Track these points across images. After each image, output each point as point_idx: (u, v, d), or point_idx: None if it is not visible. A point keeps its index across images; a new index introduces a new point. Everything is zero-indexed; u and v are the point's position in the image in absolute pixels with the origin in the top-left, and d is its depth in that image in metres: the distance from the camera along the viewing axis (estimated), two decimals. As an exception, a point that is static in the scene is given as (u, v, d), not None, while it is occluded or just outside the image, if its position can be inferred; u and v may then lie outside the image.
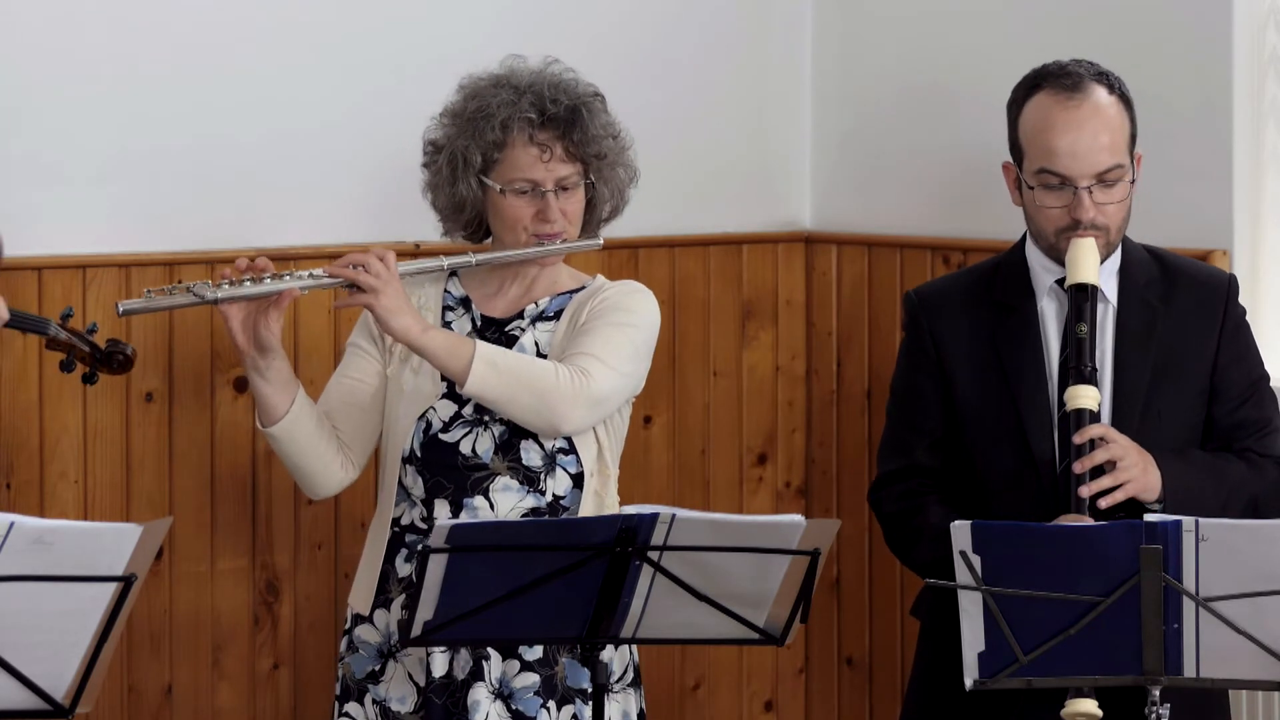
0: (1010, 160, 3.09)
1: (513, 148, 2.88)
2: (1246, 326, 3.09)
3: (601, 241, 3.01)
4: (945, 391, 2.96)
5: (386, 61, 3.81)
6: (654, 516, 2.45)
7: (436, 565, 2.42)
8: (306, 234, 3.47)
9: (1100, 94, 2.93)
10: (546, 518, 2.83)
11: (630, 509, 2.52)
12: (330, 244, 3.43)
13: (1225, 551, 2.50)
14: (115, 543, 2.26)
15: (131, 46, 4.07)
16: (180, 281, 2.86)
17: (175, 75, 3.46)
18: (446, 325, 2.93)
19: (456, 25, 4.35)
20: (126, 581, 2.25)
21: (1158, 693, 2.52)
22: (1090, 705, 2.54)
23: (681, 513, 2.45)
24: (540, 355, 2.88)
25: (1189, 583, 2.50)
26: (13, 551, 2.21)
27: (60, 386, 3.48)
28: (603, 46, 4.78)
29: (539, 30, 4.60)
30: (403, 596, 2.83)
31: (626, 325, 2.90)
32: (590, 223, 3.00)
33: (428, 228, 3.26)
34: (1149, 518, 2.51)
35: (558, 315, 2.94)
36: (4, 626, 2.33)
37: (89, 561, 2.31)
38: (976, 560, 2.54)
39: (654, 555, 2.47)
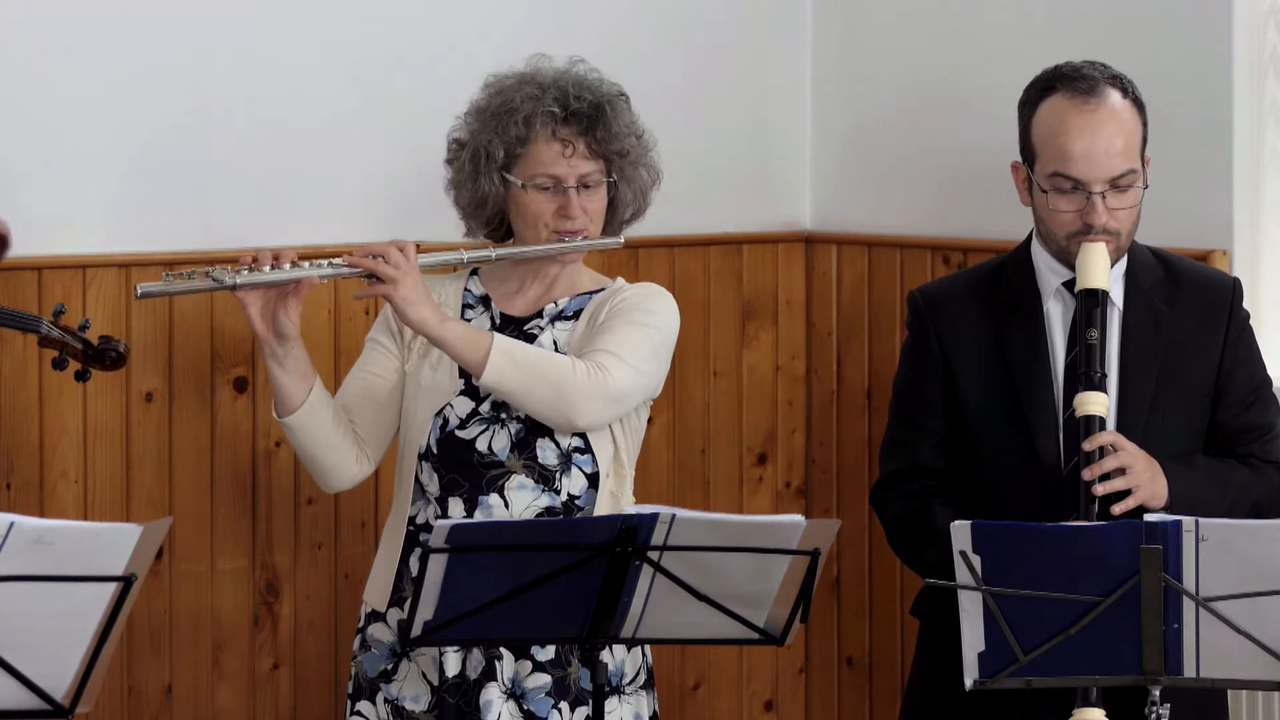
0: (1019, 160, 3.08)
1: (535, 143, 2.88)
2: (1251, 330, 3.09)
3: (623, 240, 3.01)
4: (949, 391, 2.96)
5: (389, 60, 3.81)
6: (654, 516, 2.45)
7: (436, 565, 2.42)
8: (307, 234, 3.47)
9: (1115, 98, 2.92)
10: (549, 518, 2.83)
11: (630, 509, 2.52)
12: (330, 244, 3.43)
13: (1225, 551, 2.50)
14: (115, 543, 2.26)
15: (133, 47, 4.06)
16: (200, 267, 2.85)
17: (175, 76, 3.46)
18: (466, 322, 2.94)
19: (457, 24, 4.35)
20: (126, 581, 2.25)
21: (1158, 693, 2.52)
22: (1098, 715, 2.54)
23: (681, 513, 2.45)
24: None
25: (1189, 583, 2.50)
26: (13, 551, 2.21)
27: (60, 386, 3.48)
28: (603, 47, 4.78)
29: (538, 29, 4.61)
30: (415, 595, 2.84)
31: (645, 325, 2.90)
32: (612, 223, 3.00)
33: (433, 228, 3.26)
34: (1149, 518, 2.51)
35: (577, 315, 2.94)
36: (4, 627, 2.33)
37: (89, 561, 2.31)
38: (976, 560, 2.54)
39: (654, 555, 2.47)
